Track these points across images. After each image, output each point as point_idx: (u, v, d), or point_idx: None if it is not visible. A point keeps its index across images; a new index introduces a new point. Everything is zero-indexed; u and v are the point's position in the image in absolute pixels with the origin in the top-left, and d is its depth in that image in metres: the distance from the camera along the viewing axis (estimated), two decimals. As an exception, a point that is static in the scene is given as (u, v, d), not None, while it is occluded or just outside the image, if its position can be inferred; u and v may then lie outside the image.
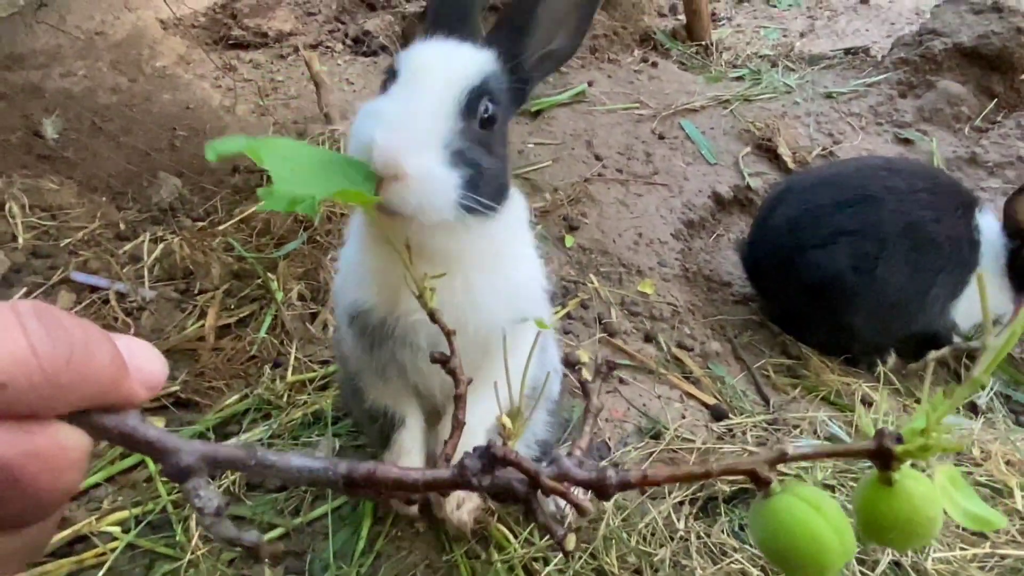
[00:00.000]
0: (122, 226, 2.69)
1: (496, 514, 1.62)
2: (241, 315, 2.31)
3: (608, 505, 1.65)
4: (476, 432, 1.26)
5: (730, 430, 2.02)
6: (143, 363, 0.56)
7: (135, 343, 0.57)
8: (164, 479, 1.74)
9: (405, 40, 4.52)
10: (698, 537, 1.62)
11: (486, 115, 1.09)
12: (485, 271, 1.19)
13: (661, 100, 3.89)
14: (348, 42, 4.63)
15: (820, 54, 4.63)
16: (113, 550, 1.57)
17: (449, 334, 0.73)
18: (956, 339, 2.58)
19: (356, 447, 1.86)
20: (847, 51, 4.61)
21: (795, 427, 2.04)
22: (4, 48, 3.55)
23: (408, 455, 1.36)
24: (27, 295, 2.28)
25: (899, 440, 0.54)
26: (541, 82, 1.30)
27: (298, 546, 1.62)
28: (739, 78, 4.29)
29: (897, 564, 1.55)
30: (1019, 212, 2.48)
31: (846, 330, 2.52)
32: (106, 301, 2.31)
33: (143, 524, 1.64)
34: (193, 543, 1.58)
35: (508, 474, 0.59)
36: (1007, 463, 1.82)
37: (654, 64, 4.33)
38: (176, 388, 2.01)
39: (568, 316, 2.43)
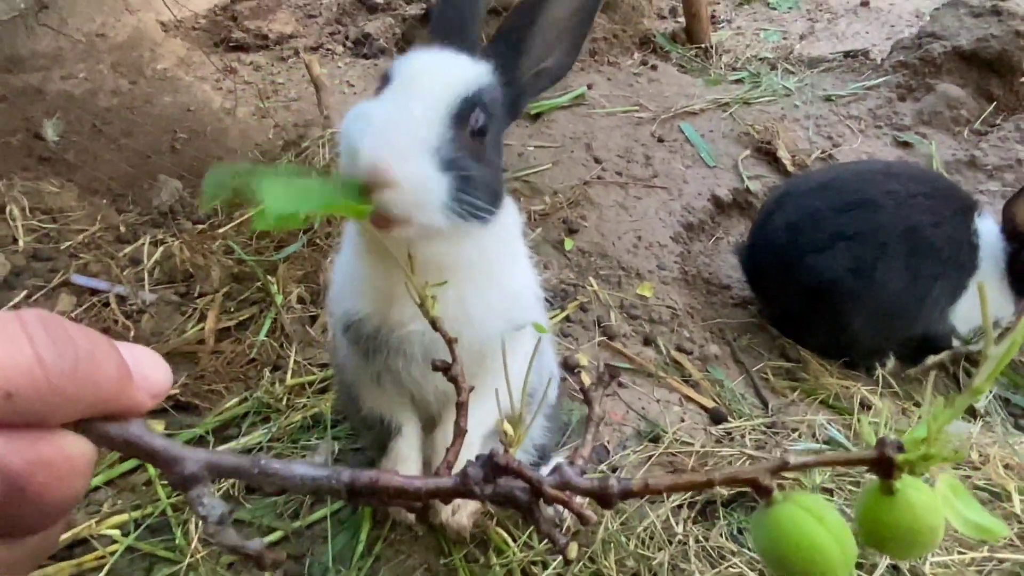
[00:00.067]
0: (122, 229, 2.69)
1: (495, 518, 1.62)
2: (241, 318, 2.31)
3: (607, 509, 1.65)
4: (472, 441, 1.26)
5: (729, 433, 2.02)
6: (148, 371, 0.56)
7: (140, 351, 0.57)
8: (164, 482, 1.74)
9: (405, 43, 4.54)
10: (696, 541, 1.62)
11: (478, 126, 1.08)
12: (479, 281, 1.19)
13: (660, 103, 3.89)
14: (348, 45, 4.64)
15: (819, 57, 4.64)
16: (113, 553, 1.57)
17: (451, 342, 0.73)
18: (955, 343, 2.58)
19: (355, 450, 1.86)
20: (846, 54, 4.62)
21: (794, 430, 2.04)
22: (5, 50, 3.55)
23: (405, 462, 1.37)
24: (27, 298, 2.29)
25: (900, 449, 0.54)
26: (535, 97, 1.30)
27: (297, 550, 1.62)
28: (738, 81, 4.30)
29: (895, 568, 1.55)
30: (1019, 215, 2.49)
31: (845, 334, 2.52)
32: (106, 304, 2.31)
33: (142, 527, 1.65)
34: (192, 546, 1.58)
35: (510, 482, 0.59)
36: (1005, 467, 1.82)
37: (653, 67, 4.33)
38: (176, 391, 2.01)
39: (567, 319, 2.43)
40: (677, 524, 1.65)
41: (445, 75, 1.08)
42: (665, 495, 1.72)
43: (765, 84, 4.17)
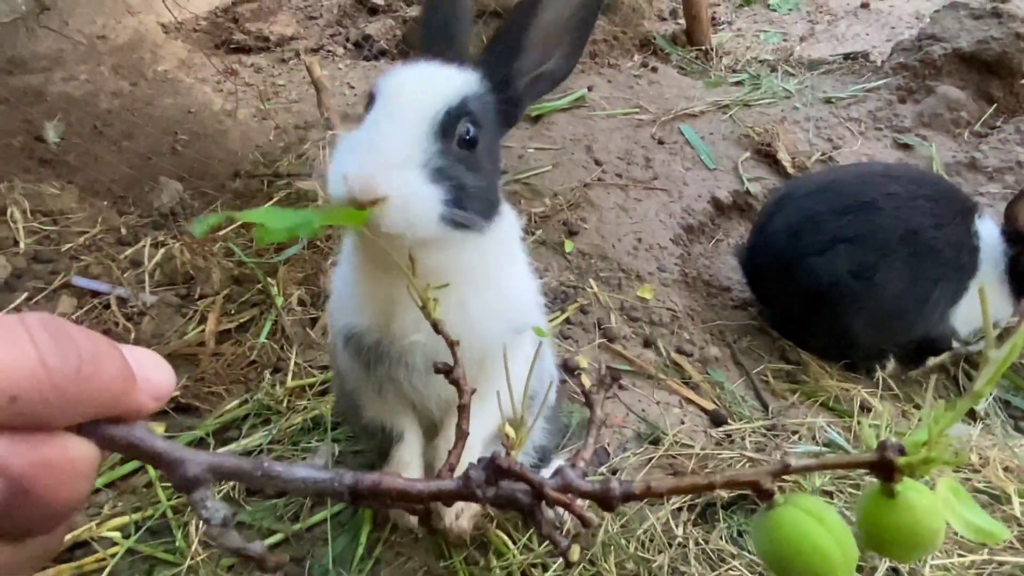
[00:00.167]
0: (123, 231, 2.69)
1: (495, 520, 1.62)
2: (241, 320, 2.32)
3: (607, 511, 1.65)
4: (473, 444, 1.26)
5: (729, 436, 2.02)
6: (151, 373, 0.56)
7: (143, 353, 0.57)
8: (164, 484, 1.74)
9: (406, 44, 4.54)
10: (696, 543, 1.62)
11: (467, 136, 1.07)
12: (478, 288, 1.19)
13: (661, 105, 3.90)
14: (349, 46, 4.65)
15: (820, 59, 4.65)
16: (113, 555, 1.57)
17: (452, 345, 0.73)
18: (955, 345, 2.59)
19: (355, 453, 1.86)
20: (847, 56, 4.63)
21: (794, 433, 2.05)
22: (6, 52, 3.56)
23: (408, 468, 1.37)
24: (28, 300, 2.29)
25: (901, 452, 0.55)
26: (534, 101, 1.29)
27: (297, 552, 1.62)
28: (739, 83, 4.30)
29: (895, 571, 1.55)
30: (1020, 216, 2.49)
31: (845, 336, 2.52)
32: (107, 306, 2.31)
33: (143, 529, 1.65)
34: (193, 548, 1.58)
35: (512, 485, 0.59)
36: (1005, 469, 1.82)
37: (654, 69, 4.34)
38: (176, 393, 2.01)
39: (567, 321, 2.43)
40: (677, 527, 1.65)
41: (427, 89, 1.07)
42: (665, 498, 1.72)
43: (765, 86, 4.18)
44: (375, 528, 1.65)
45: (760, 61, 4.64)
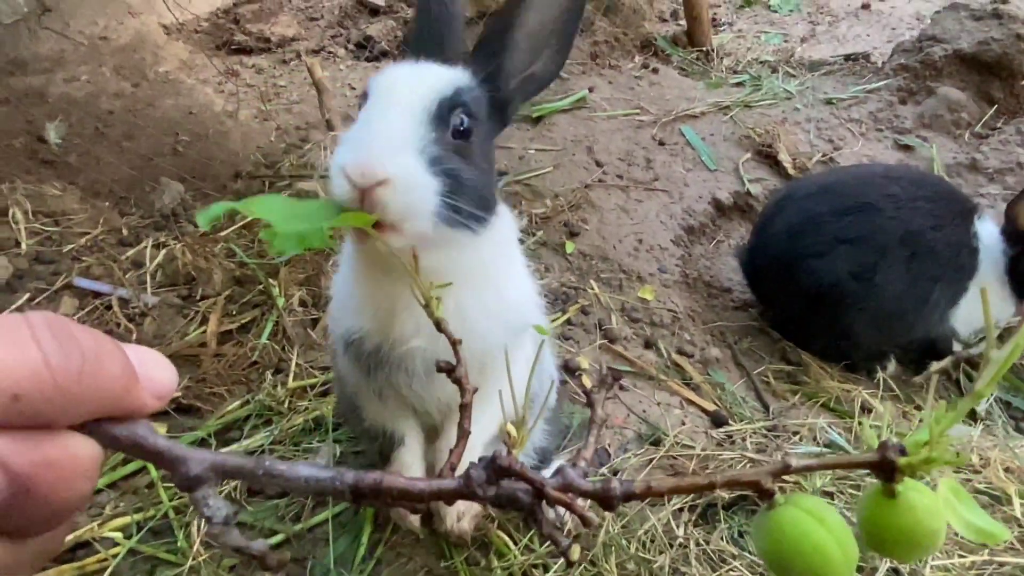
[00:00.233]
0: (125, 232, 2.70)
1: (496, 520, 1.62)
2: (243, 321, 2.32)
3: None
4: (474, 445, 1.26)
5: (730, 436, 2.02)
6: (153, 372, 0.56)
7: (145, 352, 0.57)
8: (166, 485, 1.75)
9: (407, 46, 4.54)
10: (697, 544, 1.62)
11: (461, 127, 1.07)
12: (476, 290, 1.19)
13: (662, 106, 3.90)
14: (350, 47, 4.65)
15: (820, 60, 4.65)
16: (115, 556, 1.58)
17: (455, 344, 0.73)
18: (956, 346, 2.59)
19: (356, 453, 1.86)
20: (847, 57, 4.63)
21: (795, 433, 2.05)
22: (8, 53, 3.56)
23: (409, 470, 1.37)
24: (30, 301, 2.29)
25: (902, 452, 0.55)
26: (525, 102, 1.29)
27: (298, 552, 1.62)
28: (739, 84, 4.31)
29: (896, 572, 1.55)
30: (1020, 216, 2.49)
31: (846, 337, 2.52)
32: (109, 307, 2.31)
33: (145, 530, 1.65)
34: (195, 549, 1.58)
35: (513, 484, 0.59)
36: (1006, 470, 1.82)
37: (655, 70, 4.34)
38: (178, 393, 2.01)
39: (568, 322, 2.43)
40: (678, 527, 1.65)
41: (419, 82, 1.08)
42: (666, 498, 1.72)
43: (766, 87, 4.18)
44: (376, 529, 1.65)
45: (761, 62, 4.65)
